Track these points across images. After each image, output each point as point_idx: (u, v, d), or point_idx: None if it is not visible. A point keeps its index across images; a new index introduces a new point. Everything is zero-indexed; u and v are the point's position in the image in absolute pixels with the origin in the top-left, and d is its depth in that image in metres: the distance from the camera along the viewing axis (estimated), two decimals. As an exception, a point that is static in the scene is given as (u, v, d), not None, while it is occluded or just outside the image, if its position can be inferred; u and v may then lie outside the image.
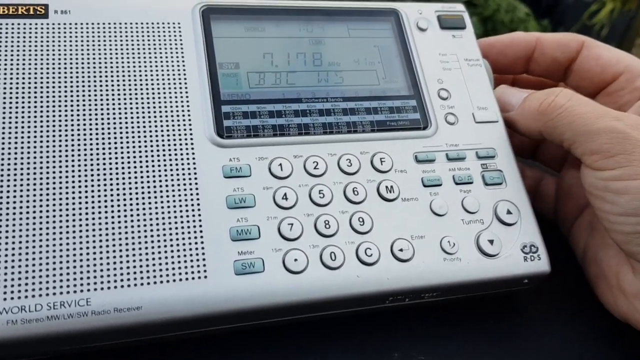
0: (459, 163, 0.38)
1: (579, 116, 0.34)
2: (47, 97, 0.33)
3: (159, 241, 0.31)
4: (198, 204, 0.33)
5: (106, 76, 0.35)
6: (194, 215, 0.33)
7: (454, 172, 0.37)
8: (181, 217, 0.32)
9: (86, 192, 0.31)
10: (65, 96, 0.34)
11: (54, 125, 0.33)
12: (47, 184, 0.31)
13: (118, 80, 0.35)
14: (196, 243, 0.32)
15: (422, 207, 0.35)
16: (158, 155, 0.34)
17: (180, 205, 0.33)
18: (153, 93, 0.35)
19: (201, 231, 0.32)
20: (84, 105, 0.34)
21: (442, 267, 0.34)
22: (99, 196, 0.31)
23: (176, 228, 0.32)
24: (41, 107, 0.33)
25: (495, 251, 0.35)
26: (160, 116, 0.35)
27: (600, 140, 0.32)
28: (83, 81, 0.34)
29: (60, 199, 0.31)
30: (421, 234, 0.34)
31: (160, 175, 0.33)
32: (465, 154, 0.38)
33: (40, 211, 0.30)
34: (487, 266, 0.34)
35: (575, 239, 0.40)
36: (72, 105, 0.33)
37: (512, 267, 0.35)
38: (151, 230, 0.32)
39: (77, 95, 0.34)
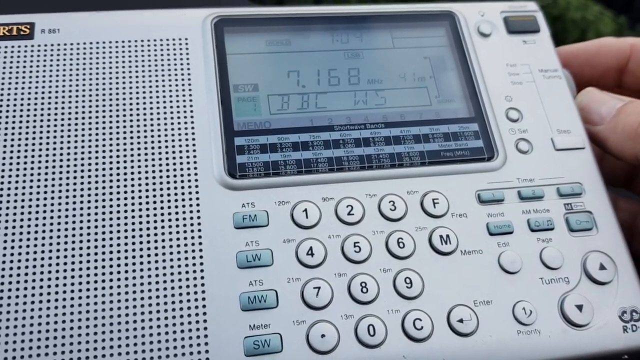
0: (536, 203, 0.32)
1: None
2: (29, 132, 0.29)
3: (150, 312, 0.27)
4: (201, 263, 0.28)
5: (97, 106, 0.31)
6: (195, 279, 0.28)
7: (528, 216, 0.32)
8: (179, 280, 0.27)
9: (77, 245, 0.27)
10: (49, 131, 0.30)
11: (39, 167, 0.29)
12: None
13: (111, 110, 0.31)
14: (197, 314, 0.27)
15: (488, 263, 0.30)
16: (154, 202, 0.29)
17: (179, 266, 0.28)
18: (152, 124, 0.31)
19: (203, 298, 0.27)
20: (70, 141, 0.30)
21: (516, 343, 0.29)
22: (82, 261, 0.27)
23: (172, 295, 0.27)
24: (26, 145, 0.29)
25: (586, 320, 0.30)
26: (159, 153, 0.30)
27: None
28: (70, 113, 0.30)
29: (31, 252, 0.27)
30: (487, 299, 0.29)
31: (155, 228, 0.28)
32: (543, 192, 0.32)
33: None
34: (574, 340, 0.29)
35: None
36: (60, 142, 0.29)
37: (608, 340, 0.30)
38: (141, 300, 0.27)
39: (63, 131, 0.30)
